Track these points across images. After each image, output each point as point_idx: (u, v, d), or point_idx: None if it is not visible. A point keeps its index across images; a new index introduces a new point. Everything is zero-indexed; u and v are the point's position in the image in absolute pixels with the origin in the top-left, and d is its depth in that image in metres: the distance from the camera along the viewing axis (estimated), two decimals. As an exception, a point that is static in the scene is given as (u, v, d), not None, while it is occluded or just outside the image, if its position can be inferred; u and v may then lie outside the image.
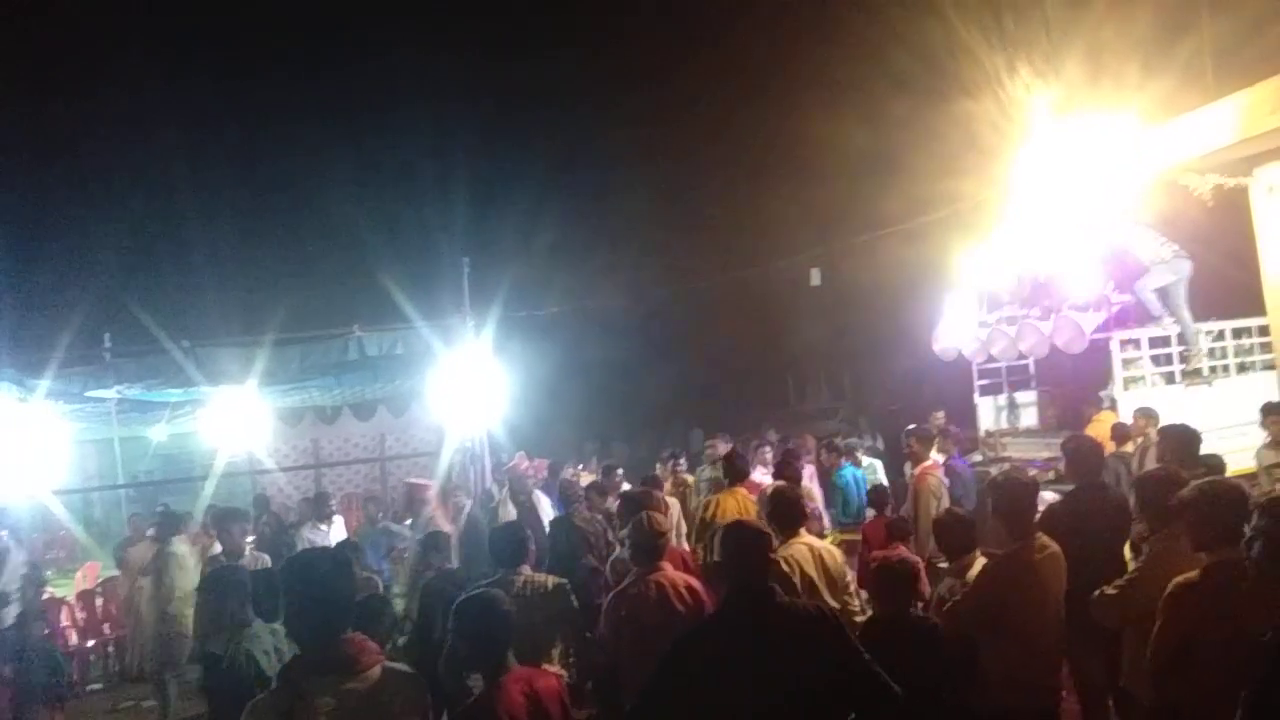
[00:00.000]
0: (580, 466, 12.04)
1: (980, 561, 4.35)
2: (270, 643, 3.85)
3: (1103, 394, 9.32)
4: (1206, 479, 3.57)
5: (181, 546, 7.65)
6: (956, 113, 10.97)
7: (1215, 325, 9.32)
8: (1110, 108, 8.43)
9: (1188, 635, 3.27)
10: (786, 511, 4.72)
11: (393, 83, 27.81)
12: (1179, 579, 3.35)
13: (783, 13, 20.41)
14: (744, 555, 3.11)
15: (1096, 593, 3.96)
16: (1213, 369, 9.18)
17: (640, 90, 22.91)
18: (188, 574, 7.44)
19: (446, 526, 7.81)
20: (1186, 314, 9.06)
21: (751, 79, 21.69)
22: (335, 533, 8.92)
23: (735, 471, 6.77)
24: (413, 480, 9.06)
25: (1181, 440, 5.46)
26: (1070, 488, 5.16)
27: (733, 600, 3.09)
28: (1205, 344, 9.16)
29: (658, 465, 10.36)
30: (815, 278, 13.44)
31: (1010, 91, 10.23)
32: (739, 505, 6.19)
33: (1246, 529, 3.10)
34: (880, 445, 13.27)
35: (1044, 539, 4.06)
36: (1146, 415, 7.87)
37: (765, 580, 3.12)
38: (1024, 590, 3.90)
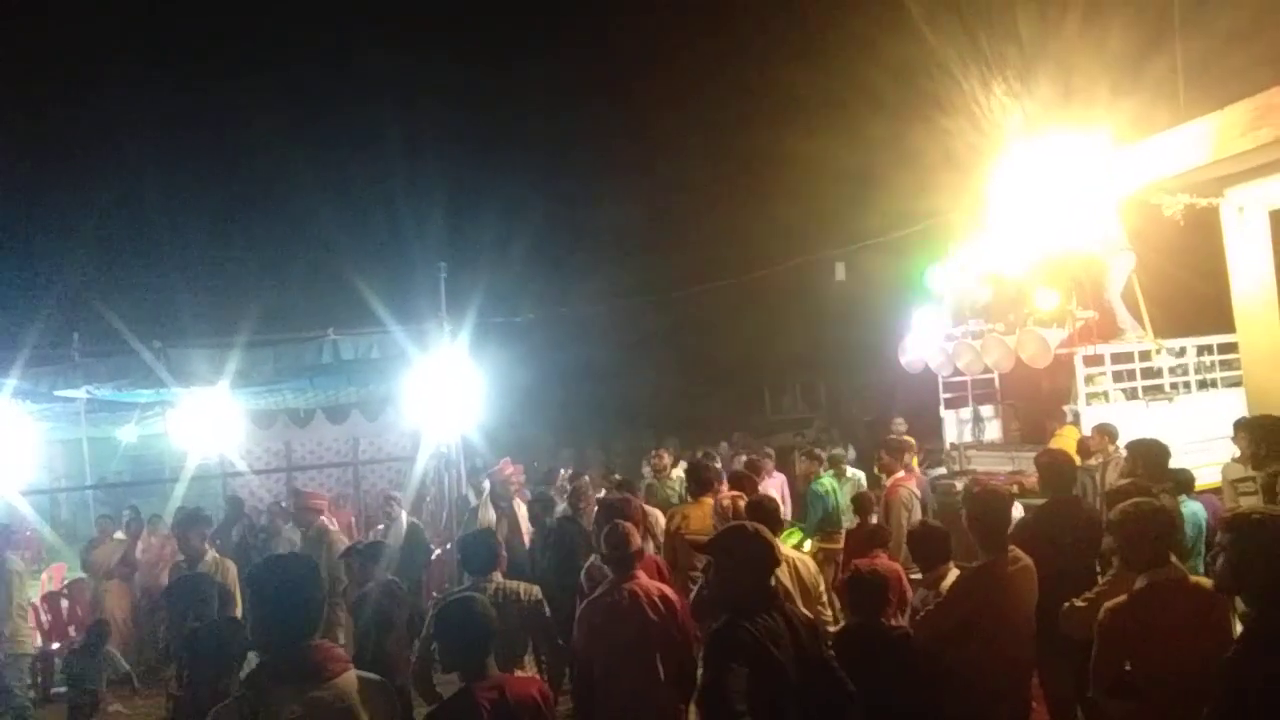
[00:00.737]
0: (568, 472, 12.02)
1: (954, 573, 4.38)
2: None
3: (1066, 409, 9.38)
4: (1131, 501, 3.58)
5: (18, 563, 7.42)
6: (931, 130, 11.11)
7: (1177, 342, 9.43)
8: (1083, 126, 8.54)
9: (1123, 658, 3.33)
10: (763, 522, 4.71)
11: (370, 85, 27.69)
12: (1109, 604, 3.41)
13: (756, 29, 20.58)
14: (749, 558, 3.15)
15: (1066, 605, 4.01)
16: (1174, 385, 9.29)
17: (616, 101, 23.01)
18: (21, 590, 7.23)
19: (341, 538, 7.47)
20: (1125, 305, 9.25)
21: (727, 93, 21.85)
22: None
23: (700, 483, 6.38)
24: (302, 489, 8.55)
25: (1151, 455, 5.52)
26: (1033, 501, 5.19)
27: (748, 604, 3.09)
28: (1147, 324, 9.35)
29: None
30: (840, 272, 12.96)
31: (984, 110, 10.38)
32: (704, 517, 5.90)
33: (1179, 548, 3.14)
34: (852, 455, 13.33)
35: (1016, 552, 4.10)
36: (1104, 431, 7.87)
37: (769, 585, 3.16)
38: (996, 603, 3.93)
